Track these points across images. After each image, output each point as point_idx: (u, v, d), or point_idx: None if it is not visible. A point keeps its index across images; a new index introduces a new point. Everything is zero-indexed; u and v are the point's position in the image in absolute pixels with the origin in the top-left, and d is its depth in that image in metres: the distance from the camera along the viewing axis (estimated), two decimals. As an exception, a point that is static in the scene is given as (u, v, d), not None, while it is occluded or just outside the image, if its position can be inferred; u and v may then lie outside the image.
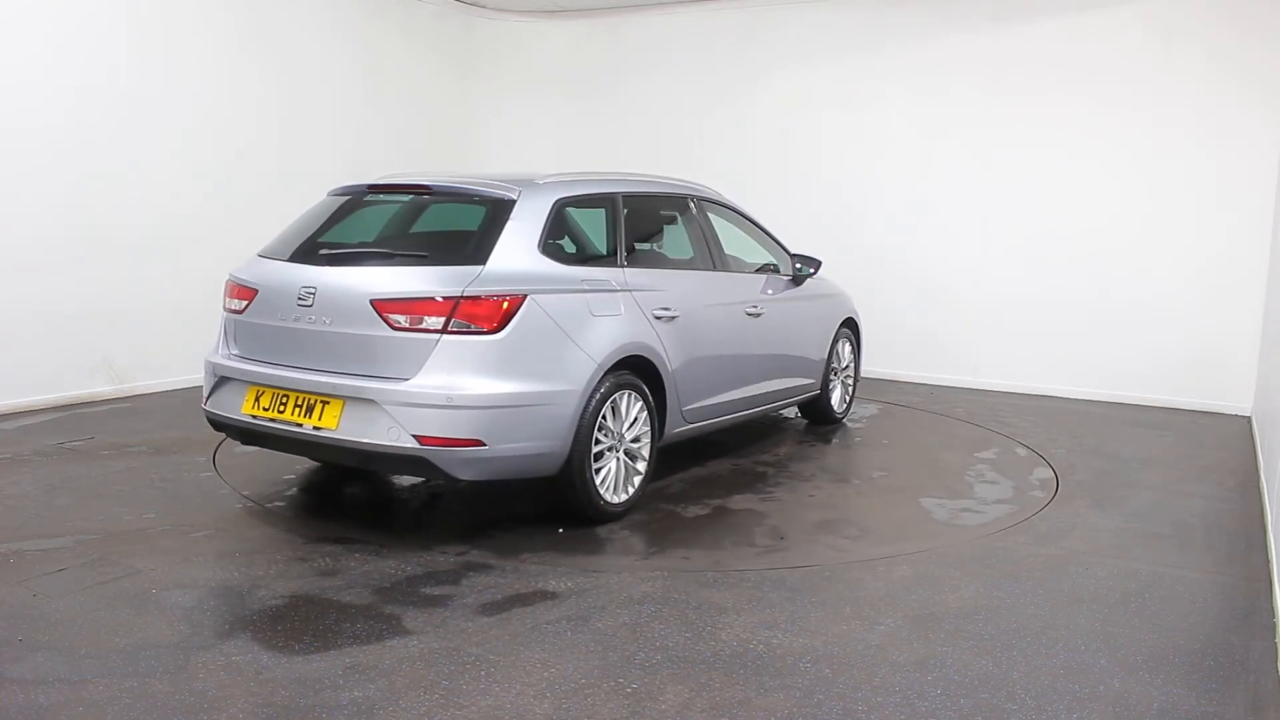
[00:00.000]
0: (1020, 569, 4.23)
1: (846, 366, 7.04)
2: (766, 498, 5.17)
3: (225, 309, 4.78)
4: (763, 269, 6.11)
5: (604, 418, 4.55)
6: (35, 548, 4.12)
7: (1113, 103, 7.89)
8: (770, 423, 7.00)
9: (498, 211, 4.50)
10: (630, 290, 4.82)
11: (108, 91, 6.87)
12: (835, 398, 6.90)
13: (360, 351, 4.23)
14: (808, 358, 6.41)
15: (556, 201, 4.68)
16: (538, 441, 4.29)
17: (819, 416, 6.90)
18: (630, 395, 4.71)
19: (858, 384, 7.32)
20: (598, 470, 4.56)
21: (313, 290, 4.36)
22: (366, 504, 5.01)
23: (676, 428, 5.14)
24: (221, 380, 4.64)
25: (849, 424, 7.06)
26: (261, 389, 4.45)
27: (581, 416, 4.41)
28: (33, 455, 5.52)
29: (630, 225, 5.15)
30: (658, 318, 4.91)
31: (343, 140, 8.65)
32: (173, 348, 7.24)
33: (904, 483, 5.54)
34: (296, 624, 3.46)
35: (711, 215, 5.85)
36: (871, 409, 7.59)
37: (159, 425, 6.30)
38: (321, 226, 4.84)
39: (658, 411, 4.93)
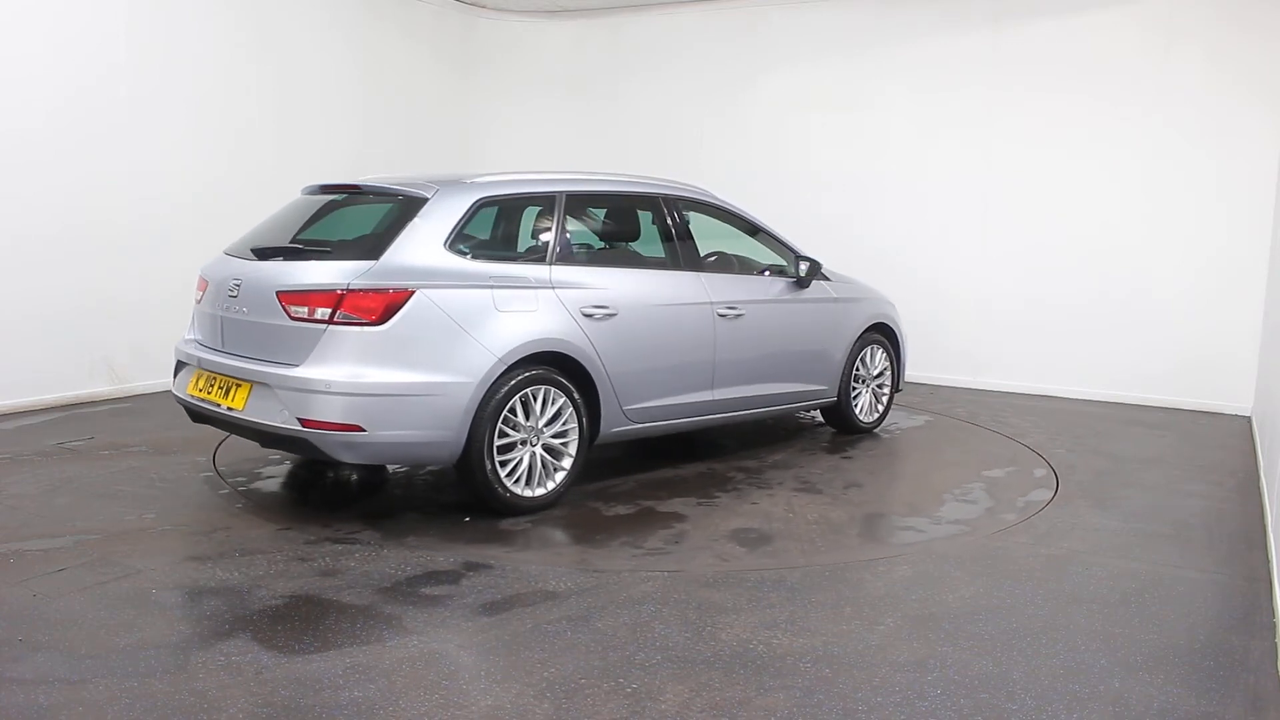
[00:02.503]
0: (1020, 569, 4.23)
1: (879, 374, 6.73)
2: (706, 502, 5.07)
3: (195, 300, 5.20)
4: (766, 270, 6.04)
5: (512, 412, 4.62)
6: (35, 548, 4.12)
7: (1113, 103, 7.90)
8: (794, 427, 6.88)
9: (407, 209, 4.71)
10: (555, 288, 4.87)
11: (107, 91, 6.87)
12: (861, 406, 6.63)
13: (266, 339, 4.55)
14: (816, 362, 6.23)
15: (477, 200, 4.80)
16: (426, 430, 4.42)
17: (843, 425, 6.64)
18: (549, 391, 4.76)
19: (896, 392, 6.95)
20: (505, 463, 4.63)
21: (239, 283, 4.74)
22: (367, 503, 5.01)
23: (618, 427, 5.15)
24: (180, 364, 5.10)
25: (882, 434, 6.74)
26: (200, 372, 4.87)
27: (479, 409, 4.50)
28: (33, 455, 5.52)
29: (571, 224, 5.22)
30: (588, 315, 4.93)
31: (342, 140, 8.65)
32: (173, 347, 7.22)
33: (870, 497, 5.30)
34: (296, 624, 3.46)
35: (692, 215, 5.79)
36: (918, 420, 7.24)
37: (159, 425, 6.31)
38: (277, 225, 5.13)
39: (590, 409, 4.97)
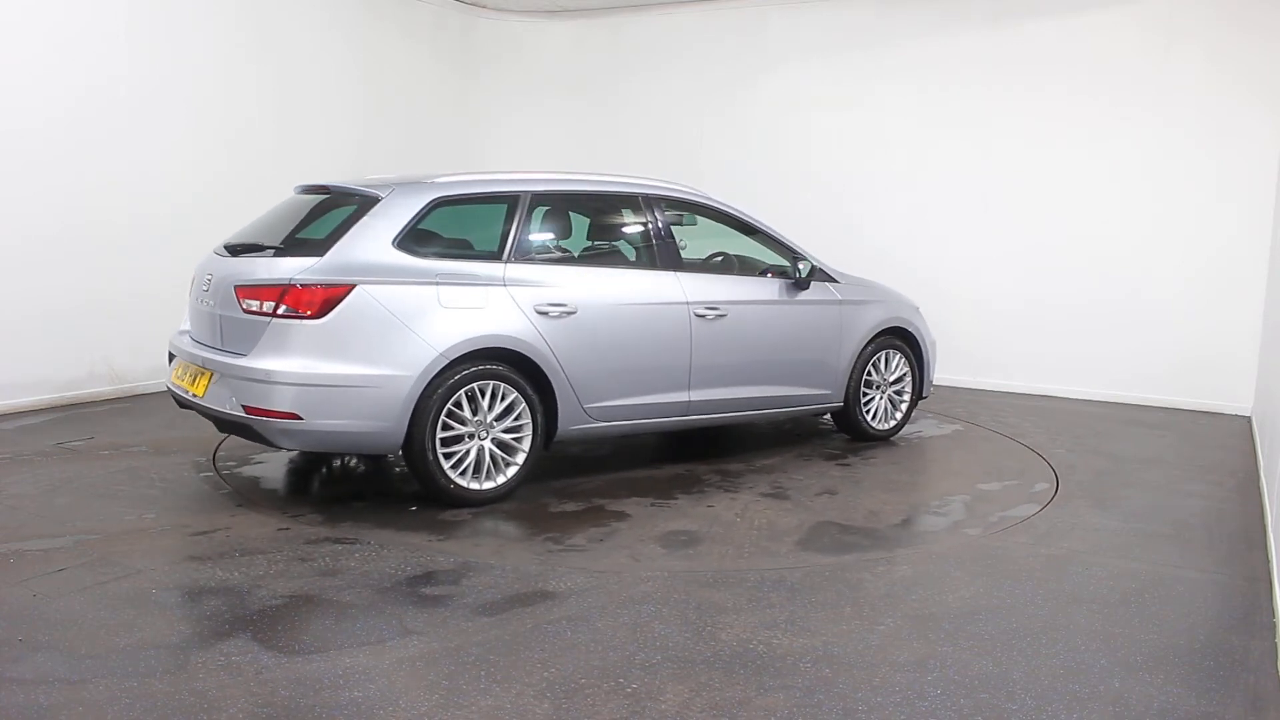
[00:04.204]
0: (1020, 569, 4.23)
1: (897, 380, 6.49)
2: (660, 503, 5.01)
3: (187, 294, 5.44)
4: (768, 271, 5.98)
5: (458, 406, 4.72)
6: (35, 548, 4.12)
7: (1113, 103, 7.90)
8: (806, 431, 6.75)
9: (360, 209, 4.89)
10: (507, 285, 4.93)
11: (107, 91, 6.87)
12: (874, 412, 6.42)
13: (225, 331, 4.81)
14: (815, 366, 6.08)
15: (432, 200, 4.95)
16: (364, 421, 4.58)
17: (854, 431, 6.42)
18: (500, 386, 4.83)
19: (920, 399, 6.71)
20: (450, 456, 4.72)
21: (210, 278, 4.98)
22: (367, 503, 5.01)
23: (579, 425, 5.17)
24: (170, 355, 5.35)
25: (898, 442, 6.50)
26: (180, 362, 5.14)
27: (420, 402, 4.63)
28: (33, 455, 5.52)
29: (533, 223, 5.27)
30: (543, 313, 4.97)
31: (342, 140, 8.65)
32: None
33: (836, 505, 5.06)
34: (296, 624, 3.46)
35: (675, 215, 5.76)
36: (946, 429, 6.95)
37: (159, 425, 6.31)
38: (263, 224, 5.31)
39: (547, 406, 5.02)
